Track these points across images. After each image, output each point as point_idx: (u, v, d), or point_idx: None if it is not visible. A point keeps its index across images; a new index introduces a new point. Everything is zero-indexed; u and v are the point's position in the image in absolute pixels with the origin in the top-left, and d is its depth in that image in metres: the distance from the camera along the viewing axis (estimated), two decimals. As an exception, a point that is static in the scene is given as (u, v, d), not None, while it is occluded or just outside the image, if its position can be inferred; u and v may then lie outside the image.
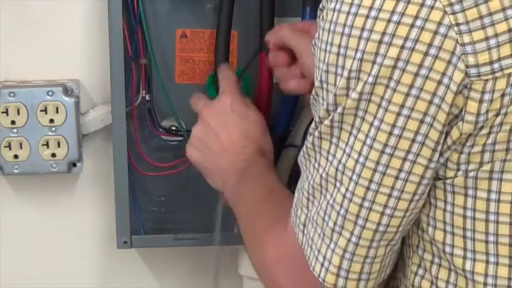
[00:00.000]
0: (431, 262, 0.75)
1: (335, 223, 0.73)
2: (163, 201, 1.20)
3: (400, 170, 0.69)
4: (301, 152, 0.76)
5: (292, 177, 1.13)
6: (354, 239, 0.72)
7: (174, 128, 1.16)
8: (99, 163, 1.20)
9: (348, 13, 0.68)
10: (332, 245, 0.73)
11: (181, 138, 1.15)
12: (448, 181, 0.71)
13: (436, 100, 0.67)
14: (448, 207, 0.72)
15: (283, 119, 1.11)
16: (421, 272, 0.76)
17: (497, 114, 0.67)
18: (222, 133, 0.97)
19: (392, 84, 0.67)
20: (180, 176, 1.12)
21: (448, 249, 0.73)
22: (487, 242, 0.71)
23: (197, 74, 1.16)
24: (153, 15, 1.13)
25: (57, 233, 1.23)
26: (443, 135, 0.68)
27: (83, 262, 1.24)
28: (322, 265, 0.74)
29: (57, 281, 1.24)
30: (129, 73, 1.11)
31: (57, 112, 1.13)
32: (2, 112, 1.12)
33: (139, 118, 1.14)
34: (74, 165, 1.16)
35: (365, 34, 0.67)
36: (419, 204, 0.72)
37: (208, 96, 1.07)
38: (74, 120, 1.13)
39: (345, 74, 0.69)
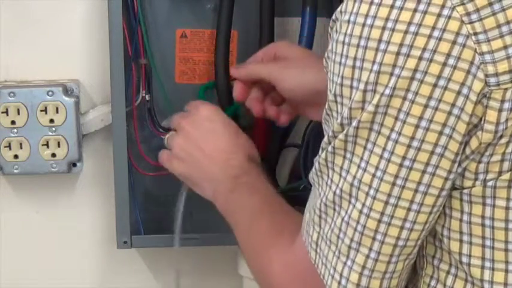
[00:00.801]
0: (448, 272, 0.74)
1: (352, 240, 0.71)
2: (163, 201, 1.20)
3: (419, 183, 0.68)
4: (313, 169, 0.75)
5: (292, 177, 1.13)
6: (373, 254, 0.71)
7: (174, 128, 1.16)
8: (99, 163, 1.20)
9: (364, 25, 0.67)
10: (349, 262, 0.72)
11: (181, 138, 1.15)
12: (465, 191, 0.70)
13: (456, 111, 0.66)
14: (465, 217, 0.71)
15: (283, 119, 1.11)
16: (433, 283, 0.75)
17: None
18: (207, 141, 0.95)
19: (410, 95, 0.66)
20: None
21: (465, 259, 0.72)
22: (506, 250, 0.70)
23: (197, 74, 1.16)
24: (153, 15, 1.13)
25: (57, 233, 1.23)
26: (463, 146, 0.68)
27: (83, 262, 1.24)
28: (340, 283, 0.73)
29: (57, 281, 1.24)
30: (129, 73, 1.11)
31: (57, 112, 1.13)
32: (2, 112, 1.12)
33: (139, 118, 1.14)
34: (74, 165, 1.16)
35: (382, 46, 0.66)
36: (436, 215, 0.71)
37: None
38: (74, 120, 1.13)
39: (361, 86, 0.68)
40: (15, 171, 1.15)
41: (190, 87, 1.15)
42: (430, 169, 0.68)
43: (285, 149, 1.12)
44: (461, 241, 0.71)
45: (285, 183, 1.11)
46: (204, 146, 0.95)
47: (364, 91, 0.68)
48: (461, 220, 0.71)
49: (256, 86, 1.01)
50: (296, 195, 1.04)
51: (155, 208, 1.19)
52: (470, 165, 0.69)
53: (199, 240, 1.14)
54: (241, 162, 0.93)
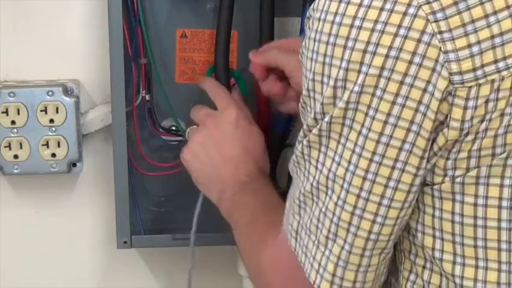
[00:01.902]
0: (423, 267, 0.75)
1: (329, 230, 0.73)
2: (163, 201, 1.20)
3: (389, 179, 0.70)
4: (291, 161, 0.77)
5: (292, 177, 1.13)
6: (347, 246, 0.73)
7: (174, 128, 1.16)
8: (99, 163, 1.20)
9: (333, 22, 0.69)
10: (327, 252, 0.74)
11: (181, 138, 1.15)
12: (435, 187, 0.71)
13: (422, 108, 0.67)
14: (437, 213, 0.72)
15: (283, 119, 1.11)
16: (412, 277, 0.76)
17: (482, 121, 0.67)
18: (225, 145, 0.97)
19: (378, 92, 0.67)
20: (180, 176, 1.12)
21: (437, 254, 0.73)
22: (475, 246, 0.71)
23: (197, 74, 1.16)
24: (153, 15, 1.13)
25: (57, 233, 1.23)
26: (430, 142, 0.69)
27: (83, 262, 1.24)
28: (318, 272, 0.74)
29: (57, 280, 1.24)
30: (129, 73, 1.11)
31: (57, 112, 1.13)
32: (2, 112, 1.12)
33: (139, 118, 1.14)
34: (74, 165, 1.16)
35: (350, 43, 0.68)
36: (409, 211, 0.72)
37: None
38: (74, 120, 1.13)
39: (331, 83, 0.69)
40: (15, 171, 1.15)
41: (190, 87, 1.15)
42: (399, 165, 0.69)
43: (285, 149, 1.12)
44: (434, 236, 0.73)
45: (285, 183, 1.11)
46: (222, 148, 0.97)
47: (335, 87, 0.69)
48: (433, 216, 0.72)
49: (273, 73, 1.01)
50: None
51: (155, 208, 1.20)
52: (439, 162, 0.70)
53: (199, 240, 1.14)
54: (250, 171, 0.96)
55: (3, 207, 1.21)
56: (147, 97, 1.14)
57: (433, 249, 0.73)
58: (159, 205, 1.20)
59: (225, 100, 1.02)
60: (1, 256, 1.22)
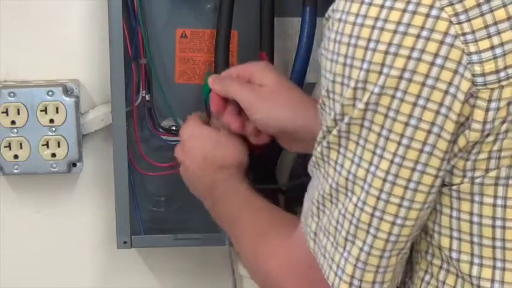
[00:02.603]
0: (440, 267, 0.74)
1: (348, 232, 0.73)
2: (163, 201, 1.20)
3: (409, 180, 0.69)
4: (311, 162, 0.76)
5: (293, 177, 1.13)
6: (366, 248, 0.72)
7: (174, 128, 1.16)
8: (99, 163, 1.20)
9: (354, 24, 0.68)
10: (345, 254, 0.73)
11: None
12: (454, 187, 0.71)
13: (443, 110, 0.67)
14: (454, 213, 0.71)
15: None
16: (427, 278, 0.76)
17: (503, 122, 0.67)
18: (189, 160, 0.99)
19: (399, 94, 0.67)
20: (180, 176, 1.11)
21: (454, 255, 0.72)
22: (493, 247, 0.71)
23: (197, 74, 1.16)
24: (153, 15, 1.13)
25: (57, 233, 1.23)
26: (451, 144, 0.68)
27: (83, 262, 1.24)
28: (336, 274, 0.74)
29: (57, 280, 1.24)
30: (129, 73, 1.11)
31: (57, 112, 1.13)
32: (2, 112, 1.12)
33: (139, 118, 1.14)
34: (74, 165, 1.16)
35: (371, 45, 0.67)
36: (428, 211, 0.72)
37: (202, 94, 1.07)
38: (74, 120, 1.13)
39: (352, 84, 0.69)
40: (15, 171, 1.15)
41: (190, 87, 1.15)
42: (419, 167, 0.69)
43: (285, 149, 1.12)
44: (451, 237, 0.72)
45: (284, 183, 1.11)
46: (188, 163, 0.99)
47: (355, 89, 0.69)
48: (450, 216, 0.72)
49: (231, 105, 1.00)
50: (297, 196, 1.04)
51: (155, 208, 1.20)
52: (459, 163, 0.70)
53: (199, 240, 1.14)
54: (211, 178, 0.96)
55: (3, 207, 1.21)
56: (147, 97, 1.14)
57: (450, 249, 0.72)
58: (159, 205, 1.20)
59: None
60: (1, 256, 1.22)
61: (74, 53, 1.16)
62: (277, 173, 1.11)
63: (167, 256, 1.24)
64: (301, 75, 1.09)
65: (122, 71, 1.07)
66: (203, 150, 0.98)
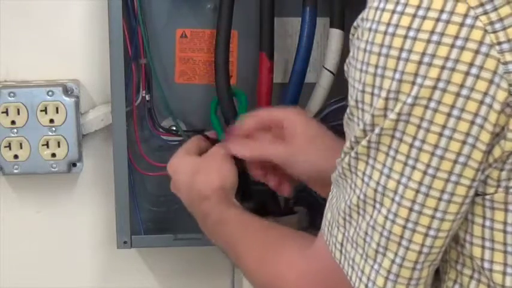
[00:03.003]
0: (471, 277, 0.74)
1: (378, 244, 0.72)
2: (163, 201, 1.20)
3: (442, 191, 0.68)
4: (336, 172, 0.75)
5: (293, 177, 1.13)
6: (398, 260, 0.71)
7: (174, 128, 1.16)
8: (99, 163, 1.20)
9: (386, 33, 0.67)
10: (376, 266, 0.72)
11: (181, 138, 1.15)
12: (487, 197, 0.70)
13: (479, 120, 0.66)
14: (487, 223, 0.71)
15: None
16: (456, 287, 0.75)
17: None
18: (180, 195, 0.99)
19: (432, 104, 0.66)
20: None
21: (486, 265, 0.71)
22: None
23: (197, 74, 1.16)
24: (153, 15, 1.13)
25: (57, 233, 1.23)
26: (487, 155, 0.68)
27: (83, 262, 1.24)
28: (367, 286, 0.73)
29: (57, 280, 1.24)
30: (129, 73, 1.11)
31: (57, 112, 1.13)
32: (2, 112, 1.12)
33: (139, 118, 1.14)
34: (74, 165, 1.16)
35: (404, 54, 0.66)
36: (460, 222, 0.71)
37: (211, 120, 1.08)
38: (74, 120, 1.13)
39: (383, 94, 0.68)
40: (15, 171, 1.15)
41: (190, 87, 1.15)
42: (453, 178, 0.68)
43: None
44: (483, 247, 0.71)
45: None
46: (180, 197, 0.99)
47: (386, 99, 0.68)
48: (483, 226, 0.71)
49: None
50: (298, 196, 1.04)
51: (155, 208, 1.20)
52: (493, 173, 0.69)
53: (199, 240, 1.14)
54: (199, 209, 0.95)
55: (3, 207, 1.21)
56: (147, 97, 1.14)
57: (482, 259, 0.72)
58: (159, 205, 1.20)
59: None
60: (1, 256, 1.22)
61: (74, 53, 1.16)
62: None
63: (167, 256, 1.24)
64: (301, 75, 1.09)
65: (122, 71, 1.07)
66: (185, 183, 0.97)
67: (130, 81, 1.11)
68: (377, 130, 0.69)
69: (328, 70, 1.09)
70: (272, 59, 1.10)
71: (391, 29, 0.67)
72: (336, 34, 1.09)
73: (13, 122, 1.13)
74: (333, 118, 1.14)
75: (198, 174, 0.96)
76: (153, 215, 1.19)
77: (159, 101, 1.15)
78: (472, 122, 0.66)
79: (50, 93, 1.13)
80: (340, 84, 1.11)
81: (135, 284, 1.26)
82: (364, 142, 0.71)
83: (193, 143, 1.01)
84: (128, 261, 1.24)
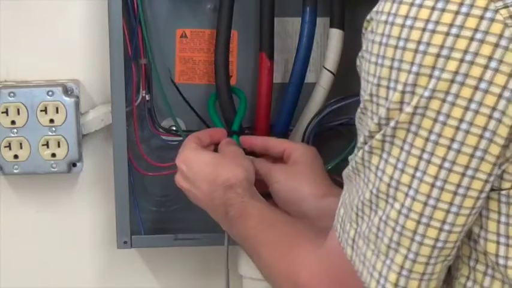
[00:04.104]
0: (484, 273, 0.73)
1: (390, 239, 0.71)
2: (163, 201, 1.20)
3: (458, 185, 0.68)
4: (349, 167, 0.75)
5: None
6: (411, 255, 0.71)
7: (174, 128, 1.16)
8: (99, 163, 1.20)
9: (403, 26, 0.67)
10: (388, 262, 0.72)
11: (181, 138, 1.15)
12: (503, 192, 0.70)
13: (497, 114, 0.66)
14: (502, 219, 0.70)
15: (283, 119, 1.11)
16: (470, 284, 0.74)
17: None
18: (194, 189, 0.99)
19: (450, 98, 0.66)
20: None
21: (501, 261, 0.71)
22: None
23: (197, 74, 1.16)
24: (153, 15, 1.13)
25: (57, 233, 1.23)
26: (504, 149, 0.67)
27: (83, 262, 1.24)
28: (378, 282, 0.72)
29: (57, 280, 1.24)
30: (129, 73, 1.11)
31: (57, 112, 1.13)
32: (2, 112, 1.12)
33: (139, 118, 1.14)
34: (74, 165, 1.16)
35: (421, 47, 0.66)
36: (475, 217, 0.71)
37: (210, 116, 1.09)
38: (74, 120, 1.13)
39: (399, 88, 0.68)
40: (15, 171, 1.15)
41: (190, 87, 1.15)
42: (470, 172, 0.68)
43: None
44: (498, 243, 0.71)
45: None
46: (195, 191, 0.99)
47: (403, 92, 0.68)
48: (498, 221, 0.71)
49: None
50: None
51: (155, 208, 1.20)
52: (509, 168, 0.69)
53: (199, 240, 1.14)
54: (222, 200, 0.95)
55: (3, 207, 1.21)
56: (147, 97, 1.14)
57: (496, 255, 0.71)
58: (159, 205, 1.20)
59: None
60: (1, 256, 1.22)
61: (74, 53, 1.16)
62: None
63: (167, 256, 1.24)
64: (301, 75, 1.09)
65: (121, 71, 1.07)
66: (205, 175, 0.97)
67: (130, 81, 1.11)
68: (392, 124, 0.69)
69: (328, 70, 1.09)
70: (272, 59, 1.10)
71: (409, 22, 0.67)
72: (336, 34, 1.09)
73: (13, 122, 1.13)
74: (333, 118, 1.14)
75: (221, 165, 0.97)
76: (153, 215, 1.19)
77: (159, 101, 1.15)
78: (490, 116, 0.66)
79: (50, 93, 1.13)
80: (340, 84, 1.11)
81: (135, 284, 1.26)
82: (378, 136, 0.70)
83: (198, 138, 1.03)
84: (128, 261, 1.24)
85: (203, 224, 1.13)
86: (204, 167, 0.98)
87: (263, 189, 1.00)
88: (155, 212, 1.19)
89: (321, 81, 1.10)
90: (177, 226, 1.17)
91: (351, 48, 1.12)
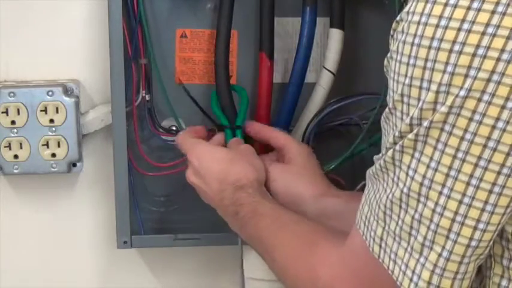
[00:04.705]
0: None
1: (425, 237, 0.71)
2: (163, 201, 1.20)
3: (493, 184, 0.68)
4: (377, 166, 0.75)
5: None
6: (445, 253, 0.71)
7: (174, 128, 1.16)
8: (99, 163, 1.20)
9: (437, 26, 0.67)
10: (422, 260, 0.72)
11: (181, 138, 1.15)
12: None
13: None
14: None
15: (283, 119, 1.11)
16: (504, 282, 0.75)
17: None
18: (204, 186, 0.99)
19: (486, 97, 0.66)
20: (180, 176, 1.11)
21: None
22: None
23: (197, 74, 1.16)
24: (153, 15, 1.13)
25: (57, 233, 1.23)
26: None
27: (83, 262, 1.24)
28: (411, 280, 0.72)
29: (57, 281, 1.24)
30: (129, 73, 1.11)
31: (57, 112, 1.13)
32: (2, 112, 1.12)
33: (139, 118, 1.14)
34: (74, 165, 1.16)
35: (456, 47, 0.66)
36: (509, 216, 0.71)
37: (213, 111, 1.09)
38: (74, 120, 1.13)
39: (433, 88, 0.68)
40: (15, 171, 1.15)
41: (190, 87, 1.15)
42: (505, 170, 0.67)
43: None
44: None
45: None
46: (205, 188, 0.98)
47: (437, 92, 0.68)
48: None
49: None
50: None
51: (155, 208, 1.19)
52: None
53: (199, 240, 1.14)
54: (232, 199, 0.95)
55: (3, 207, 1.21)
56: (147, 97, 1.14)
57: None
58: (159, 205, 1.20)
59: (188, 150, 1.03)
60: (1, 256, 1.22)
61: (74, 53, 1.16)
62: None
63: (167, 256, 1.24)
64: (301, 75, 1.09)
65: (121, 71, 1.07)
66: (216, 172, 0.97)
67: (130, 81, 1.11)
68: (426, 123, 0.69)
69: (328, 70, 1.09)
70: (272, 59, 1.10)
71: (443, 22, 0.67)
72: (336, 34, 1.09)
73: (13, 122, 1.13)
74: (333, 118, 1.14)
75: (233, 164, 0.97)
76: (153, 215, 1.19)
77: (159, 101, 1.15)
78: None
79: (50, 93, 1.13)
80: (340, 84, 1.11)
81: (135, 284, 1.26)
82: (411, 135, 0.70)
83: (218, 137, 1.05)
84: (128, 261, 1.24)
85: (203, 224, 1.13)
86: (215, 164, 0.98)
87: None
88: (155, 212, 1.19)
89: (321, 81, 1.10)
90: (177, 226, 1.17)
91: (351, 48, 1.12)
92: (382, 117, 0.75)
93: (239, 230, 0.95)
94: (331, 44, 1.09)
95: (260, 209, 0.92)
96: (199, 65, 1.15)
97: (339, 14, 1.09)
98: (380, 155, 0.74)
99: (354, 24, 1.14)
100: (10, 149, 1.13)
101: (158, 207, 1.20)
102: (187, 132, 1.06)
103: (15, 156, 1.14)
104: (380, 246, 0.75)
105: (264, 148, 1.07)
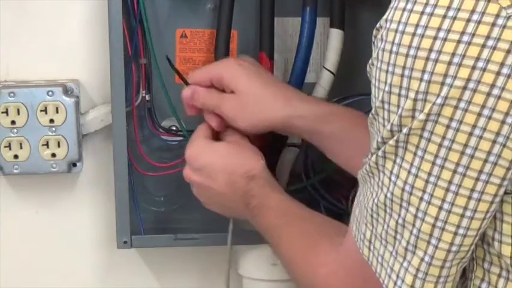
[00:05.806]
0: (499, 276, 0.74)
1: (408, 242, 0.72)
2: (163, 201, 1.20)
3: (472, 190, 0.68)
4: (364, 170, 0.76)
5: (293, 177, 1.13)
6: (427, 258, 0.72)
7: (174, 128, 1.16)
8: (99, 163, 1.20)
9: (414, 34, 0.67)
10: (405, 264, 0.73)
11: (181, 138, 1.15)
12: None
13: (509, 119, 0.66)
14: None
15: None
16: (484, 286, 0.75)
17: None
18: (208, 181, 0.98)
19: (462, 105, 0.66)
20: (180, 176, 1.11)
21: None
22: None
23: (197, 74, 1.15)
24: (153, 15, 1.13)
25: (57, 233, 1.23)
26: None
27: (83, 262, 1.24)
28: (395, 283, 0.73)
29: (57, 281, 1.24)
30: (129, 73, 1.11)
31: (57, 112, 1.13)
32: (2, 112, 1.12)
33: (139, 118, 1.14)
34: (74, 165, 1.16)
35: (433, 55, 0.67)
36: (489, 220, 0.71)
37: None
38: (74, 120, 1.13)
39: (411, 95, 0.68)
40: (15, 171, 1.15)
41: (190, 87, 1.15)
42: (483, 176, 0.68)
43: (285, 149, 1.12)
44: None
45: (285, 183, 1.11)
46: (209, 184, 0.98)
47: (415, 100, 0.68)
48: None
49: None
50: (298, 197, 1.04)
51: (155, 208, 1.19)
52: None
53: (199, 240, 1.14)
54: (243, 190, 0.95)
55: (3, 207, 1.21)
56: (147, 97, 1.13)
57: (511, 257, 0.72)
58: (159, 205, 1.20)
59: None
60: (1, 256, 1.22)
61: (74, 53, 1.16)
62: (277, 173, 1.11)
63: (167, 256, 1.24)
64: (301, 75, 1.09)
65: (121, 71, 1.07)
66: (223, 165, 0.97)
67: (130, 81, 1.11)
68: (405, 130, 0.69)
69: (328, 70, 1.10)
70: (272, 59, 1.10)
71: (419, 31, 0.67)
72: (336, 34, 1.09)
73: (13, 122, 1.13)
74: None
75: (238, 156, 0.97)
76: (153, 215, 1.19)
77: (159, 101, 1.15)
78: (503, 122, 0.66)
79: (50, 93, 1.13)
80: (340, 84, 1.11)
81: (135, 284, 1.26)
82: (392, 141, 0.71)
83: (206, 129, 1.03)
84: (127, 261, 1.24)
85: (203, 224, 1.13)
86: (219, 158, 0.98)
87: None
88: (155, 212, 1.19)
89: (321, 81, 1.10)
90: (177, 226, 1.17)
91: (351, 48, 1.12)
92: (368, 121, 0.75)
93: (250, 219, 0.95)
94: (331, 44, 1.09)
95: (268, 201, 0.93)
96: (200, 65, 1.15)
97: (338, 14, 1.09)
98: (366, 158, 0.75)
99: (354, 24, 1.14)
100: (10, 149, 1.13)
101: (158, 207, 1.20)
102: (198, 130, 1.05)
103: (15, 156, 1.14)
104: (369, 248, 0.76)
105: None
